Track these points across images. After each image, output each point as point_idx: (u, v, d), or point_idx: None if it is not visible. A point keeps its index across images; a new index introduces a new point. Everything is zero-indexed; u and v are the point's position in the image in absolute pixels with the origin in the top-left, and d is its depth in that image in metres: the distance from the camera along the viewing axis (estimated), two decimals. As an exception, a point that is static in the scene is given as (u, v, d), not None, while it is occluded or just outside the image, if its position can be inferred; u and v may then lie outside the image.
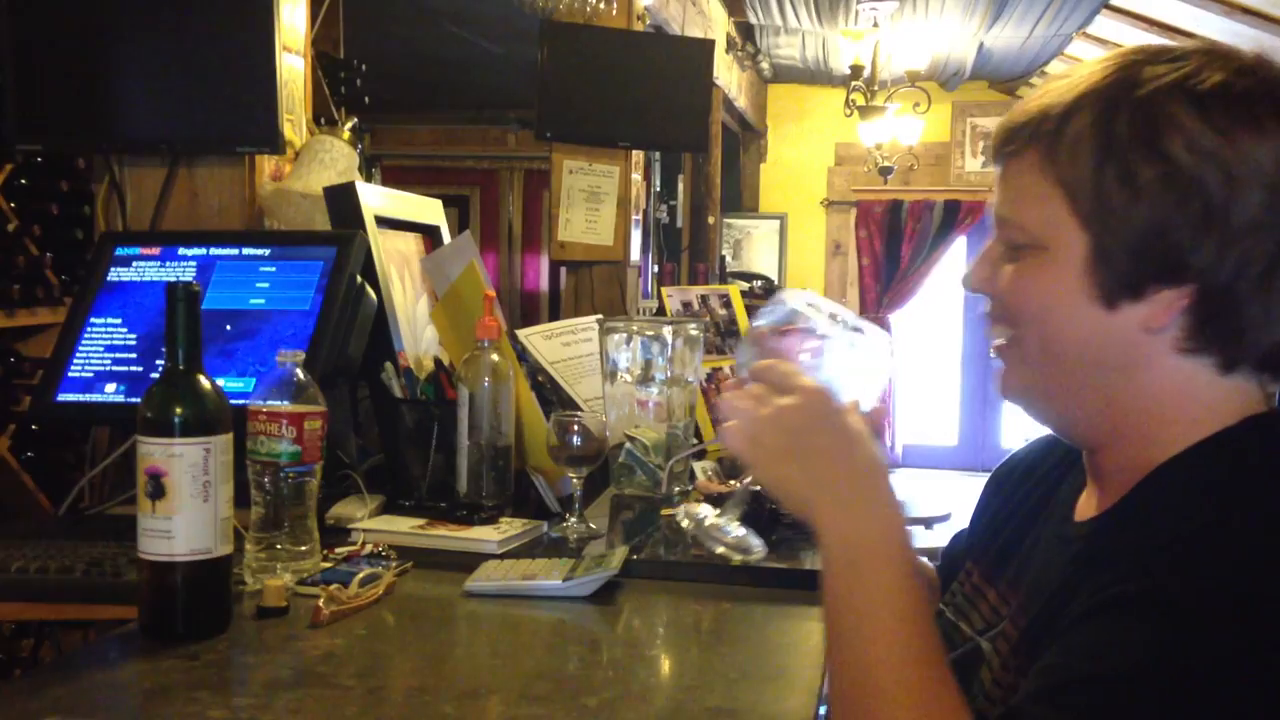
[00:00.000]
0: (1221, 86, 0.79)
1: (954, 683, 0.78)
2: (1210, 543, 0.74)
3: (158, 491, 1.09)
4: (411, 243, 2.04)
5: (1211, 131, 0.78)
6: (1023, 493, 1.04)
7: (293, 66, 2.08)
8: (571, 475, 1.55)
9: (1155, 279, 0.80)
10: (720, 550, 1.08)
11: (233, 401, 1.54)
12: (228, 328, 1.63)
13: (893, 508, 0.83)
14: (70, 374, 1.64)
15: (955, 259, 8.33)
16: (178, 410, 1.10)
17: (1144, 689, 0.68)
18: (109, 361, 1.65)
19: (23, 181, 2.81)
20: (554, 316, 4.88)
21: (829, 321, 0.94)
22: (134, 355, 1.64)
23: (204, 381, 1.13)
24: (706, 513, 1.09)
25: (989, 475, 1.16)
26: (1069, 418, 0.90)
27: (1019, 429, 7.84)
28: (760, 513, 1.57)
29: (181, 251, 1.73)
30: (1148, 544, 0.76)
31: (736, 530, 1.07)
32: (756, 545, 1.10)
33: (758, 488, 1.08)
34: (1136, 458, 0.85)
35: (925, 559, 1.20)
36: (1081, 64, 0.86)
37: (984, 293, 0.91)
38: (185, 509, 1.09)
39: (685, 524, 1.10)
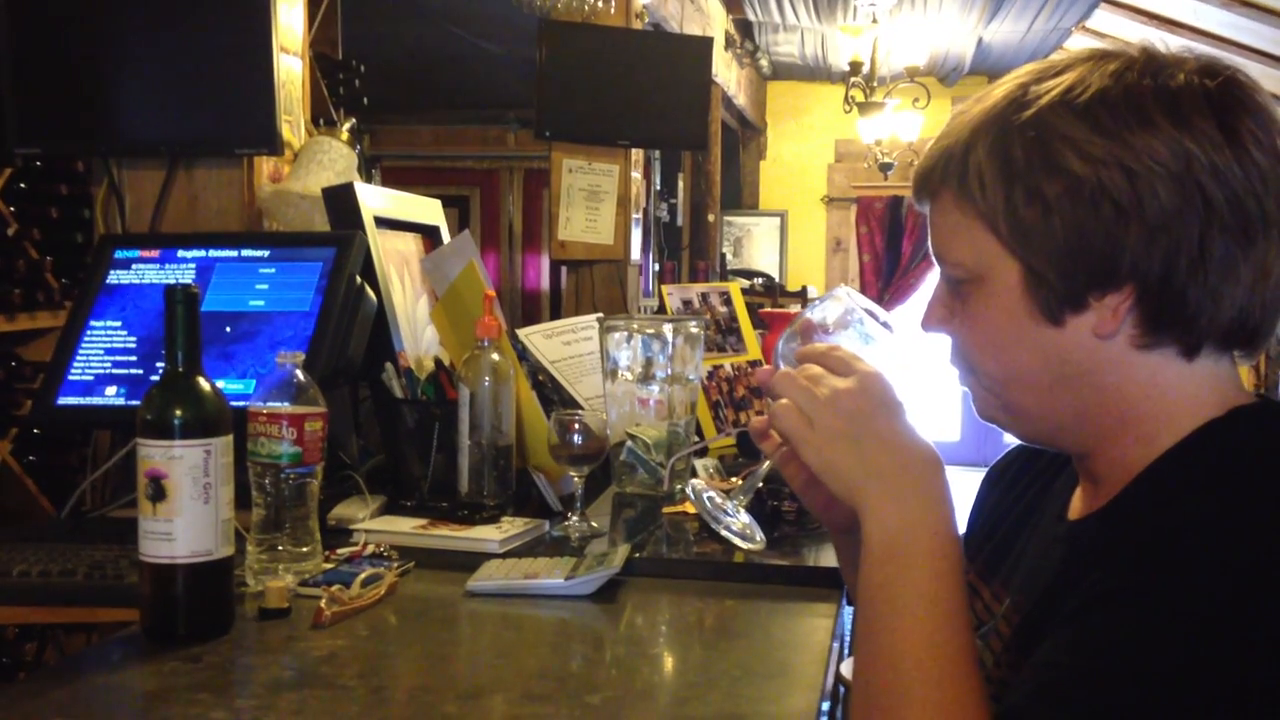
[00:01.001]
0: (1100, 92, 0.80)
1: (982, 687, 0.78)
2: (1201, 538, 0.74)
3: (158, 494, 1.09)
4: (411, 243, 2.04)
5: (1100, 137, 0.79)
6: (1018, 490, 1.05)
7: (290, 68, 2.08)
8: (573, 474, 1.55)
9: (1091, 287, 0.81)
10: (722, 533, 1.08)
11: (233, 403, 1.55)
12: (227, 329, 1.63)
13: (943, 503, 0.83)
14: (70, 377, 1.64)
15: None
16: (177, 412, 1.10)
17: (1140, 683, 0.68)
18: (109, 364, 1.65)
19: (22, 185, 2.81)
20: (555, 316, 4.89)
21: (872, 321, 0.96)
22: (134, 358, 1.64)
23: (203, 383, 1.13)
24: (715, 491, 1.10)
25: (986, 472, 1.16)
26: (1048, 433, 0.91)
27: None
28: (762, 510, 1.57)
29: (181, 254, 1.72)
30: (1139, 541, 0.76)
31: (743, 515, 1.07)
32: (760, 534, 1.10)
33: (761, 482, 1.08)
34: (1124, 457, 0.85)
35: None
36: (978, 94, 0.88)
37: (941, 331, 0.92)
38: (186, 511, 1.09)
39: (691, 496, 1.10)
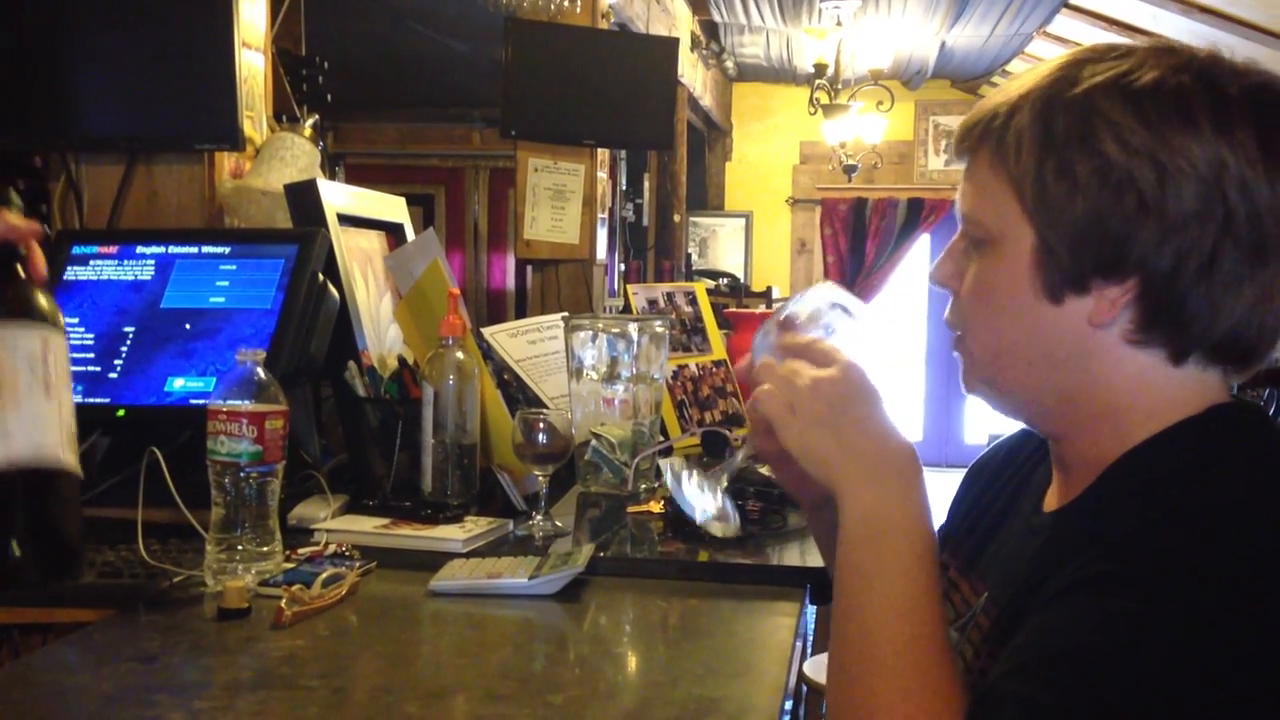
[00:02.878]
0: (1155, 83, 0.81)
1: (954, 669, 0.79)
2: (1175, 525, 0.75)
3: None
4: (375, 240, 2.02)
5: (1142, 127, 0.79)
6: (998, 485, 1.06)
7: (252, 63, 2.06)
8: (537, 473, 1.54)
9: (1096, 272, 0.82)
10: (695, 517, 1.08)
11: (192, 401, 1.54)
12: (187, 326, 1.61)
13: (918, 489, 0.85)
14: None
15: (919, 256, 8.39)
16: (6, 294, 0.93)
17: (1116, 661, 0.69)
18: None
19: (-23, 180, 2.76)
20: (520, 315, 4.87)
21: (845, 316, 0.96)
22: (91, 355, 1.62)
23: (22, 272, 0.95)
24: (691, 472, 1.09)
25: (967, 469, 1.17)
26: (1028, 410, 0.92)
27: (983, 425, 7.92)
28: (726, 509, 1.58)
29: (140, 250, 1.70)
30: (1113, 530, 0.77)
31: (718, 498, 1.07)
32: (734, 517, 1.10)
33: (744, 465, 1.08)
34: (1098, 448, 0.86)
35: None
36: (1039, 64, 0.88)
37: (947, 287, 0.93)
38: (23, 403, 0.89)
39: (667, 477, 1.10)
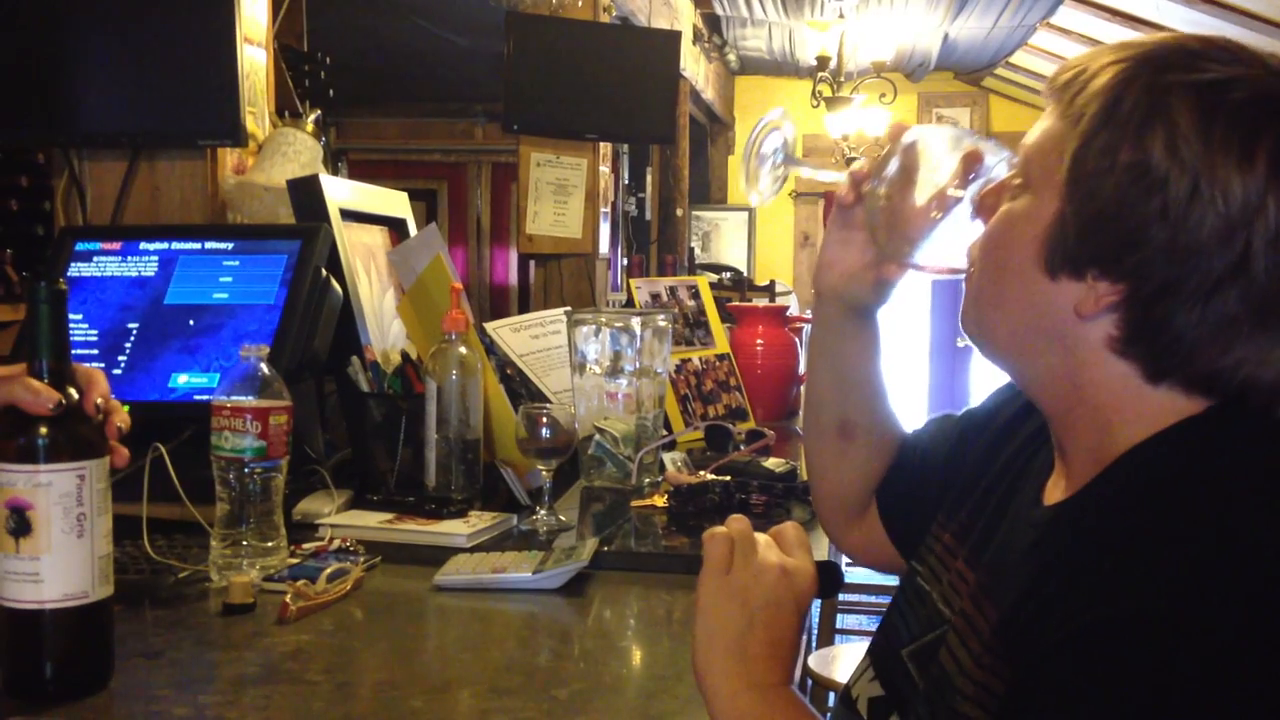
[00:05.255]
0: (1237, 105, 0.77)
1: None
2: (1165, 557, 0.72)
3: (21, 528, 0.93)
4: (377, 236, 2.02)
5: (1199, 142, 0.76)
6: (1004, 459, 1.03)
7: (254, 59, 2.06)
8: (541, 468, 1.54)
9: (1096, 263, 0.81)
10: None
11: (197, 397, 1.54)
12: (191, 323, 1.62)
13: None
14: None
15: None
16: (43, 430, 0.93)
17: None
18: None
19: (-20, 177, 2.77)
20: (523, 310, 4.87)
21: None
22: (95, 352, 1.62)
23: (75, 395, 0.96)
24: None
25: (963, 415, 1.15)
26: (1014, 369, 0.91)
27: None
28: (730, 502, 1.58)
29: (143, 246, 1.70)
30: (1106, 558, 0.74)
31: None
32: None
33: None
34: (1090, 440, 0.85)
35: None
36: (1153, 35, 0.86)
37: (980, 217, 0.92)
38: (55, 548, 0.93)
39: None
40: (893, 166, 0.99)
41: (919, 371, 8.77)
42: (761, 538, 0.91)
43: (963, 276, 0.95)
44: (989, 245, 0.90)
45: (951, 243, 0.97)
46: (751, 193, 1.12)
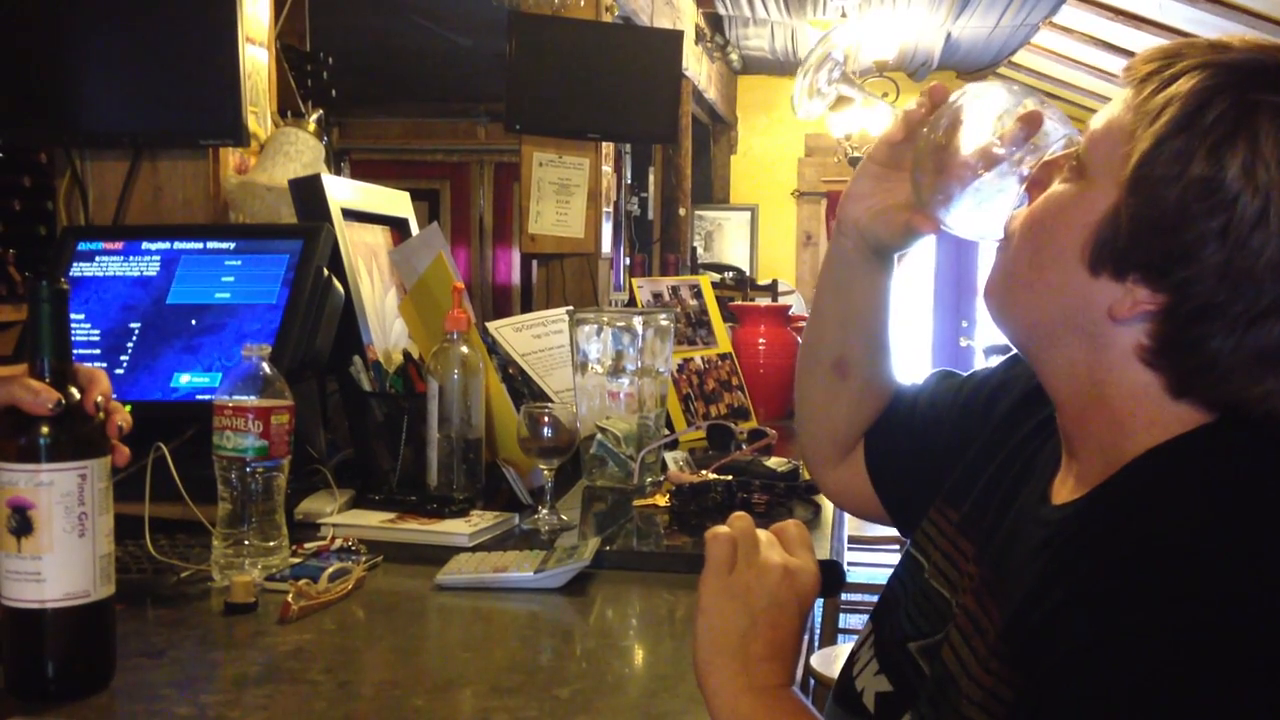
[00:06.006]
0: None
1: None
2: (1177, 568, 0.71)
3: (23, 527, 0.93)
4: (379, 235, 2.02)
5: (1277, 167, 0.75)
6: (1008, 449, 1.01)
7: (256, 58, 2.06)
8: (543, 467, 1.54)
9: (1139, 267, 0.79)
10: None
11: (199, 397, 1.54)
12: (193, 322, 1.62)
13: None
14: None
15: (925, 248, 8.37)
16: (44, 430, 0.93)
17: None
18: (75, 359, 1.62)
19: (-17, 177, 2.78)
20: (526, 309, 4.87)
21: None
22: (98, 352, 1.62)
23: (76, 395, 0.96)
24: None
25: (969, 383, 1.13)
26: (1038, 358, 0.89)
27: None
28: (733, 501, 1.58)
29: (145, 246, 1.70)
30: (1117, 568, 0.73)
31: None
32: None
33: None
34: (1101, 441, 0.84)
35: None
36: (1249, 36, 0.83)
37: (1030, 191, 0.90)
38: (57, 547, 0.94)
39: None
40: (948, 117, 0.95)
41: (922, 370, 8.75)
42: (764, 535, 0.90)
43: (996, 246, 0.92)
44: (1033, 224, 0.87)
45: (991, 211, 0.93)
46: (800, 107, 1.10)
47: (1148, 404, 0.81)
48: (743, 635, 0.86)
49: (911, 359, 8.57)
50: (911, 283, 8.52)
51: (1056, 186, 0.86)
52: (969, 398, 1.11)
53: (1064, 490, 0.89)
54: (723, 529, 0.89)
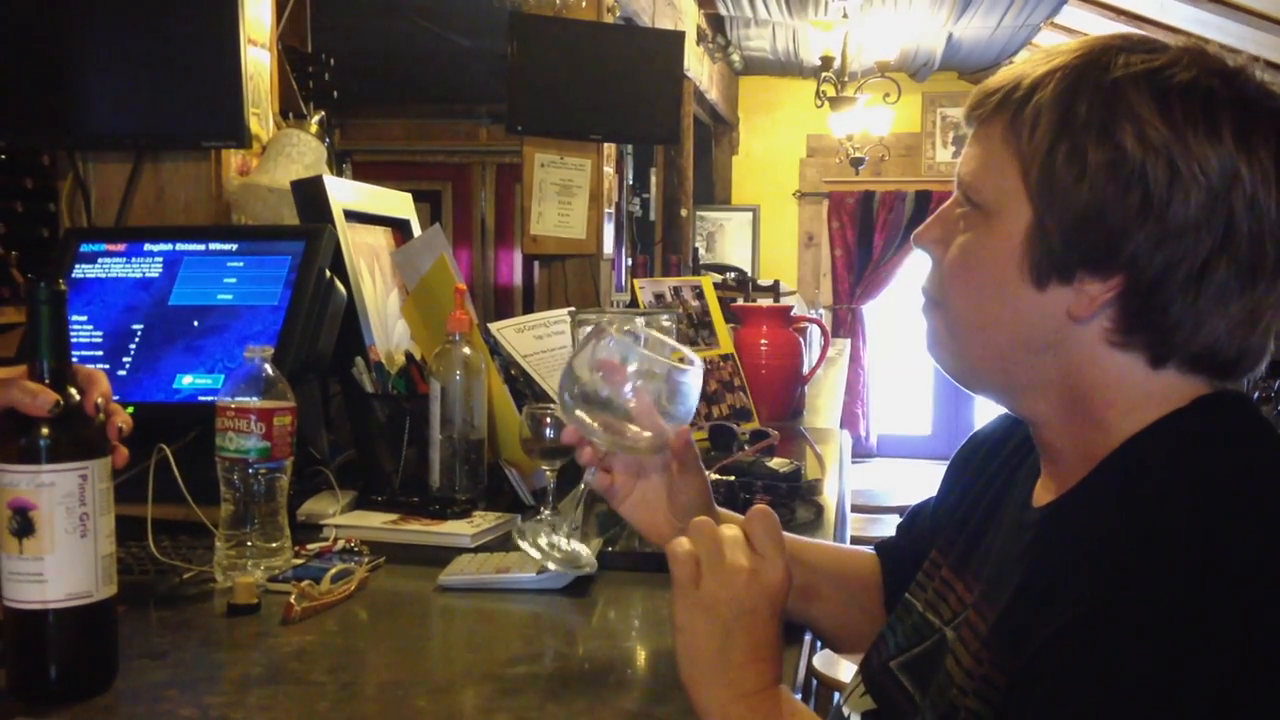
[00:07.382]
0: (1188, 84, 0.79)
1: None
2: (1154, 549, 0.72)
3: (25, 528, 0.93)
4: (381, 237, 2.02)
5: (1165, 125, 0.78)
6: (986, 478, 1.04)
7: (258, 60, 2.07)
8: (545, 468, 1.54)
9: (1085, 265, 0.81)
10: (545, 561, 1.10)
11: (201, 398, 1.54)
12: (195, 324, 1.62)
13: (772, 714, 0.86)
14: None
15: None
16: (44, 431, 0.93)
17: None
18: (75, 361, 1.63)
19: (-14, 179, 2.78)
20: (527, 310, 4.86)
21: (646, 355, 1.01)
22: (100, 353, 1.62)
23: (75, 396, 0.96)
24: (542, 530, 1.12)
25: (952, 457, 1.15)
26: (997, 389, 0.90)
27: (992, 418, 7.87)
28: (734, 502, 1.58)
29: (147, 247, 1.71)
30: (1098, 551, 0.75)
31: (564, 542, 1.11)
32: (585, 556, 1.12)
33: (581, 504, 1.10)
34: (1081, 439, 0.85)
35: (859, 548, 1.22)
36: (1066, 42, 0.87)
37: (930, 252, 0.91)
38: (59, 547, 0.94)
39: (517, 537, 1.12)
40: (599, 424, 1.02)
41: (923, 372, 8.77)
42: (729, 536, 0.89)
43: (921, 308, 0.93)
44: (957, 273, 0.88)
45: (662, 403, 1.01)
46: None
47: (1130, 386, 0.83)
48: (720, 647, 0.86)
49: (915, 360, 8.57)
50: (914, 281, 8.52)
51: (962, 236, 0.88)
52: (968, 455, 1.13)
53: (1045, 494, 0.91)
54: (683, 543, 0.89)
